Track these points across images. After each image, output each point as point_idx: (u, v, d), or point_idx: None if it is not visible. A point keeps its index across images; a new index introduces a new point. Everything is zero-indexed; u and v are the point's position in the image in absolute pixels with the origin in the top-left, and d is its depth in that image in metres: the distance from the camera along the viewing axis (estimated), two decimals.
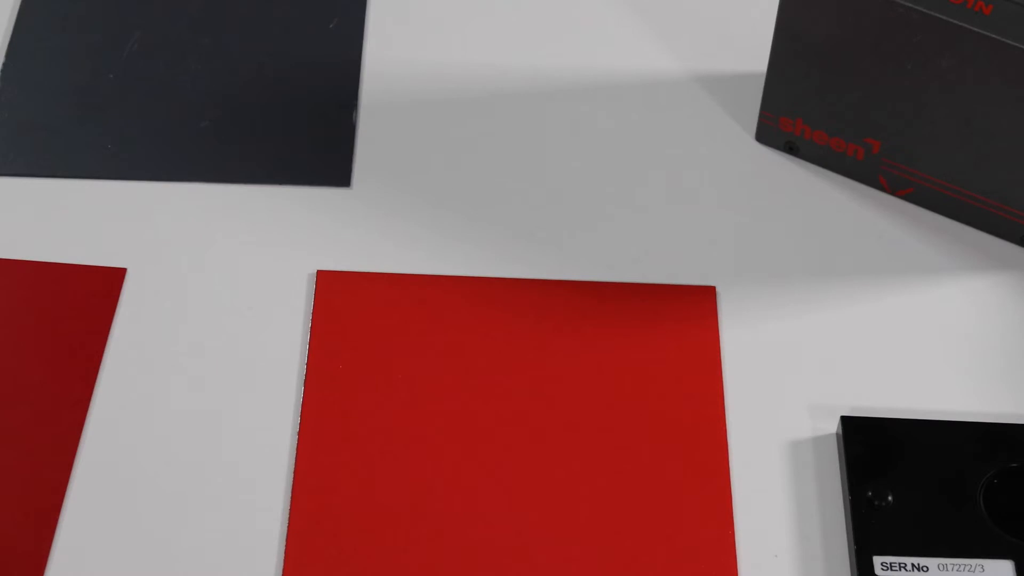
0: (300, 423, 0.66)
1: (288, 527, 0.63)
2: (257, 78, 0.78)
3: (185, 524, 0.63)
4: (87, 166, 0.75)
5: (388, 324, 0.69)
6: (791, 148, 0.74)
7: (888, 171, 0.72)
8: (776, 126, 0.74)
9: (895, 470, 0.63)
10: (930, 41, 0.66)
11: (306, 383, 0.67)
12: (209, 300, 0.70)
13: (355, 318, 0.69)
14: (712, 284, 0.71)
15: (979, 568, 0.61)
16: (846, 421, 0.65)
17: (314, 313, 0.69)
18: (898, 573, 0.61)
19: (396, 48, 0.80)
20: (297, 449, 0.65)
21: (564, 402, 0.67)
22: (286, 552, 0.62)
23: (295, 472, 0.64)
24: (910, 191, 0.72)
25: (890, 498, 0.63)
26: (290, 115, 0.77)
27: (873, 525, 0.62)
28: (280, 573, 0.62)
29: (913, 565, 0.61)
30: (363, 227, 0.72)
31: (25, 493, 0.63)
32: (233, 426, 0.66)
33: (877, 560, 0.61)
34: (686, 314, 0.69)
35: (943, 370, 0.68)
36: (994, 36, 0.64)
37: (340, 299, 0.69)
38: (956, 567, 0.61)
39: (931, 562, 0.61)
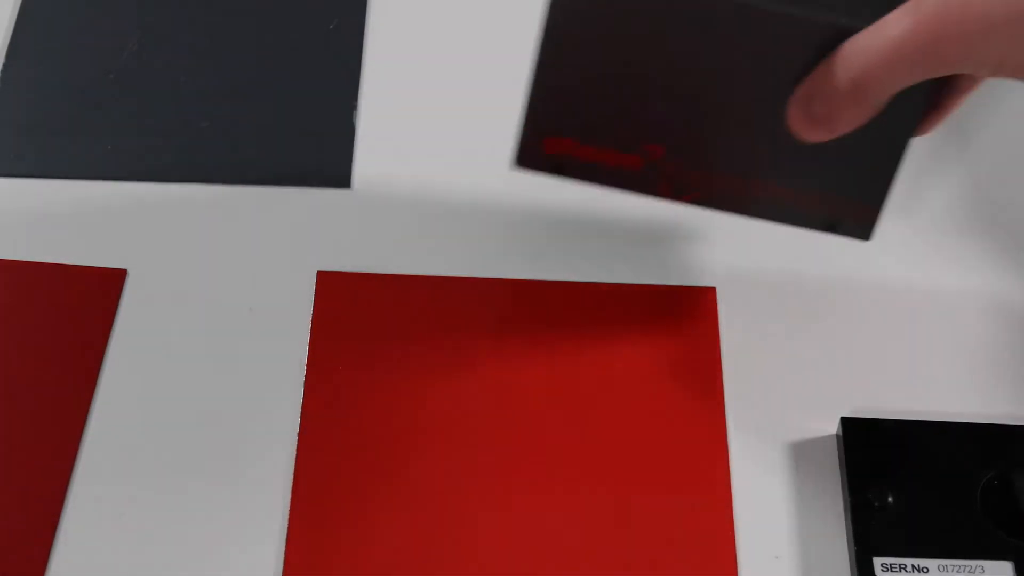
0: (300, 423, 0.66)
1: (288, 527, 0.63)
2: (257, 79, 0.78)
3: (185, 524, 0.63)
4: (87, 166, 0.75)
5: (388, 324, 0.69)
6: (559, 169, 0.66)
7: (671, 177, 0.65)
8: (539, 149, 0.65)
9: (895, 471, 0.63)
10: (711, 26, 0.60)
11: (306, 383, 0.67)
12: (209, 300, 0.70)
13: (355, 318, 0.69)
14: (712, 284, 0.71)
15: (979, 569, 0.61)
16: (846, 422, 0.65)
17: (314, 313, 0.69)
18: (898, 574, 0.61)
19: (396, 48, 0.80)
20: (297, 449, 0.65)
21: (564, 402, 0.67)
22: (286, 552, 0.62)
23: (295, 472, 0.64)
24: (696, 195, 0.67)
25: (890, 499, 0.63)
26: (290, 115, 0.77)
27: (873, 526, 0.62)
28: (280, 573, 0.62)
29: (913, 566, 0.61)
30: (363, 227, 0.72)
31: (25, 493, 0.63)
32: (233, 426, 0.66)
33: (877, 561, 0.61)
34: (686, 314, 0.69)
35: (943, 371, 0.68)
36: (780, 10, 0.59)
37: (340, 299, 0.69)
38: (956, 568, 0.61)
39: (931, 563, 0.61)
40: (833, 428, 0.66)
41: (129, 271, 0.71)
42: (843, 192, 0.65)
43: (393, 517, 0.63)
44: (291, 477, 0.64)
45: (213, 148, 0.75)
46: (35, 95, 0.77)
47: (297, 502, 0.63)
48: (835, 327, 0.70)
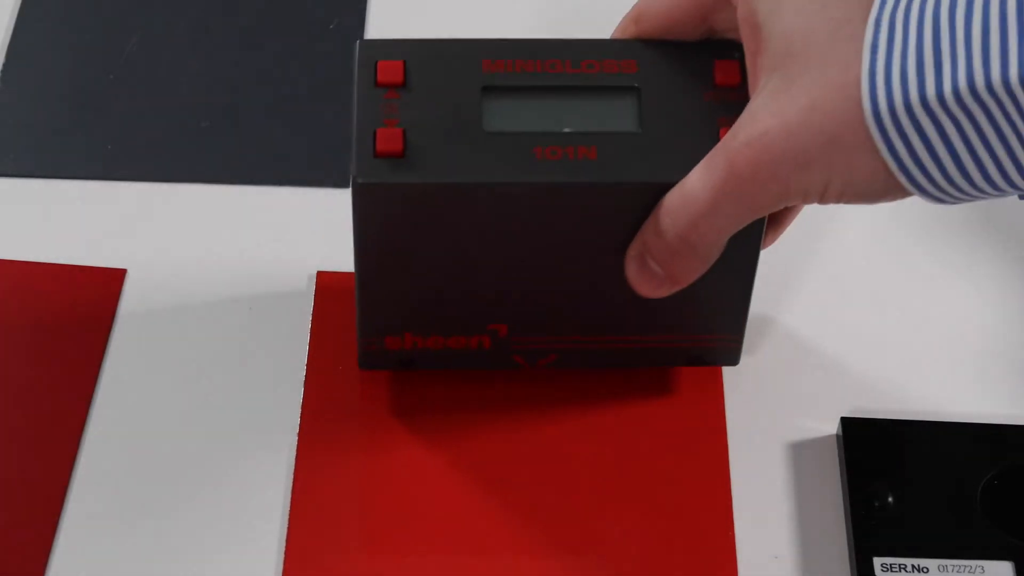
0: (300, 423, 0.66)
1: (288, 527, 0.63)
2: (257, 78, 0.78)
3: (185, 524, 0.63)
4: (87, 166, 0.75)
5: None
6: (408, 363, 0.65)
7: (522, 349, 0.65)
8: (381, 348, 0.64)
9: (895, 471, 0.63)
10: (531, 207, 0.58)
11: (306, 383, 0.67)
12: (209, 300, 0.70)
13: (355, 318, 0.69)
14: None
15: (979, 569, 0.61)
16: (846, 422, 0.65)
17: (314, 313, 0.69)
18: (898, 574, 0.61)
19: None
20: (297, 449, 0.65)
21: (561, 395, 0.66)
22: (286, 552, 0.62)
23: (295, 472, 0.64)
24: (552, 359, 0.65)
25: (890, 499, 0.63)
26: (290, 115, 0.77)
27: (873, 526, 0.62)
28: (280, 572, 0.62)
29: (913, 566, 0.61)
30: None
31: (25, 493, 0.63)
32: (233, 426, 0.66)
33: (877, 561, 0.61)
34: None
35: (943, 371, 0.68)
36: (581, 182, 0.57)
37: (340, 299, 0.69)
38: (956, 568, 0.61)
39: (931, 563, 0.61)
40: (833, 428, 0.66)
41: (129, 271, 0.71)
42: (702, 330, 0.64)
43: (393, 517, 0.63)
44: (291, 477, 0.64)
45: (213, 148, 0.75)
46: (35, 95, 0.77)
47: (297, 502, 0.63)
48: (835, 327, 0.70)
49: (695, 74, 0.59)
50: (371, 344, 0.64)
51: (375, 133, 0.58)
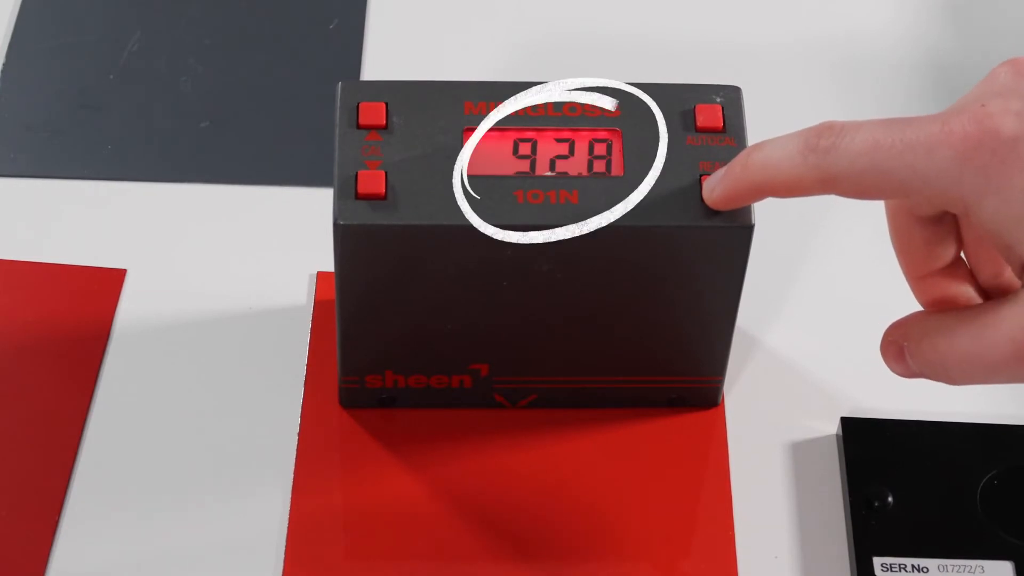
0: (300, 423, 0.66)
1: (288, 528, 0.63)
2: (257, 78, 0.78)
3: (185, 524, 0.63)
4: (87, 166, 0.75)
5: None
6: (389, 402, 0.65)
7: (503, 388, 0.65)
8: (363, 387, 0.65)
9: (895, 471, 0.64)
10: (512, 249, 0.58)
11: (306, 383, 0.67)
12: (209, 300, 0.70)
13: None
14: None
15: (979, 569, 0.61)
16: (846, 422, 0.65)
17: (314, 313, 0.69)
18: (898, 574, 0.61)
19: (396, 48, 0.80)
20: (297, 450, 0.65)
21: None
22: (286, 553, 0.62)
23: (295, 473, 0.64)
24: (533, 398, 0.65)
25: (890, 499, 0.63)
26: (290, 116, 0.77)
27: (873, 526, 0.62)
28: (280, 573, 0.62)
29: (913, 566, 0.61)
30: None
31: (25, 493, 0.63)
32: (233, 427, 0.66)
33: (877, 561, 0.61)
34: None
35: None
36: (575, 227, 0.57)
37: None
38: (956, 568, 0.61)
39: (931, 563, 0.61)
40: (833, 428, 0.66)
41: (129, 271, 0.71)
42: (683, 372, 0.65)
43: (392, 517, 0.63)
44: (291, 478, 0.64)
45: (213, 148, 0.76)
46: (35, 95, 0.77)
47: (297, 503, 0.63)
48: (835, 327, 0.70)
49: (677, 117, 0.59)
50: (352, 382, 0.65)
51: (357, 175, 0.59)
